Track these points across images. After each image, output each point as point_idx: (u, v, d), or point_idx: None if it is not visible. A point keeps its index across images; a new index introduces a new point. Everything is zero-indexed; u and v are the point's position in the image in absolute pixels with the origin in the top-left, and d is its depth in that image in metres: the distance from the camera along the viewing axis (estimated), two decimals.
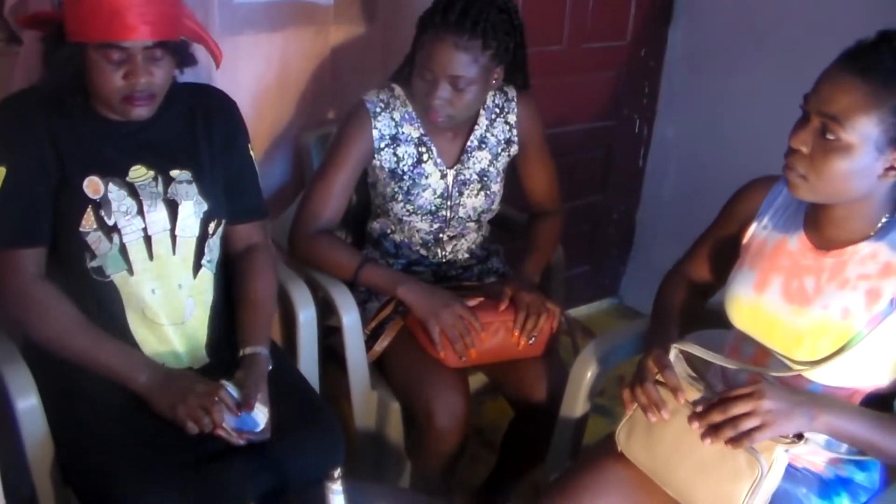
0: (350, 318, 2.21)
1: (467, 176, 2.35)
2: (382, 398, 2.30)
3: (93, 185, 1.80)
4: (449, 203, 2.35)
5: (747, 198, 1.84)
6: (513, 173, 2.49)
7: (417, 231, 2.38)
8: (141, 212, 1.83)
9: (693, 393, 1.64)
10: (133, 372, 1.78)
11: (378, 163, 2.29)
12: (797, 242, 1.71)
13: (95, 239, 1.80)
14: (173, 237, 1.88)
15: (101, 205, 1.80)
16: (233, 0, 2.34)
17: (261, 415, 1.78)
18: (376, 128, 2.25)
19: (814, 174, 1.54)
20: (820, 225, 1.68)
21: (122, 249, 1.82)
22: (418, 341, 2.21)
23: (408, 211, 2.33)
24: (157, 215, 1.85)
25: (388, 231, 2.42)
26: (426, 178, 2.31)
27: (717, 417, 1.53)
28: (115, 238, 1.81)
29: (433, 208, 2.34)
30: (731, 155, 3.21)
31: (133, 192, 1.83)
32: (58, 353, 1.77)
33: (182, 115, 1.94)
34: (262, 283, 2.03)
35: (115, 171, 1.83)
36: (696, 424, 1.55)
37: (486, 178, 2.37)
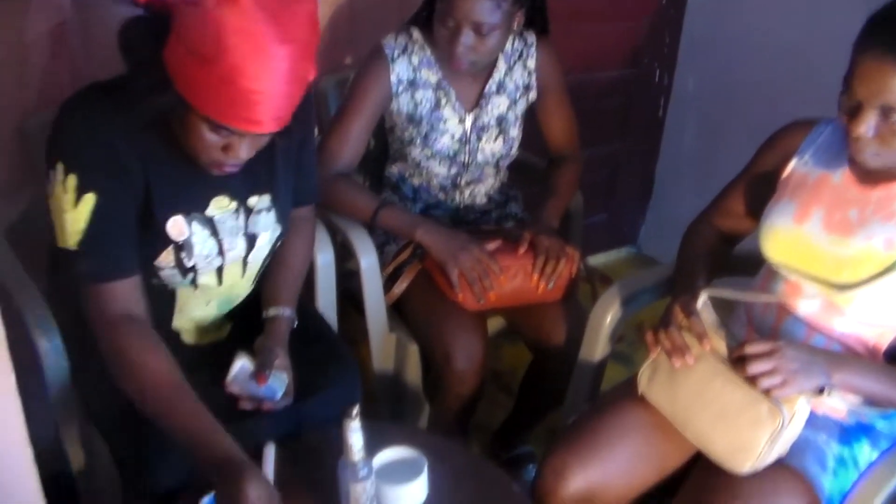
0: (368, 261, 2.20)
1: (485, 121, 2.33)
2: (400, 341, 2.31)
3: (177, 227, 1.65)
4: (467, 148, 2.34)
5: (788, 135, 1.82)
6: (532, 119, 2.47)
7: (435, 175, 2.37)
8: (221, 252, 1.73)
9: (718, 340, 1.64)
10: (219, 459, 1.50)
11: (396, 107, 2.28)
12: (841, 177, 1.70)
13: (169, 274, 1.71)
14: (245, 263, 1.82)
15: (184, 247, 1.67)
16: None
17: (278, 383, 1.74)
18: (394, 72, 2.24)
19: (887, 150, 1.53)
20: None
21: (194, 281, 1.75)
22: (436, 284, 2.21)
23: (426, 156, 2.32)
24: (236, 252, 1.77)
25: (407, 175, 2.41)
26: (444, 122, 2.29)
27: (739, 374, 1.55)
28: (191, 275, 1.74)
29: (451, 153, 2.33)
30: (751, 106, 3.18)
31: (214, 230, 1.71)
32: (138, 403, 1.57)
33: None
34: (298, 248, 1.98)
35: (198, 207, 1.68)
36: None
37: (504, 124, 2.36)
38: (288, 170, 1.82)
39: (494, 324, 2.37)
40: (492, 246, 2.17)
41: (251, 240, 1.78)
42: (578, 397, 2.13)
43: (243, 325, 1.91)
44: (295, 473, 1.60)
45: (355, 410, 1.45)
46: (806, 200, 1.72)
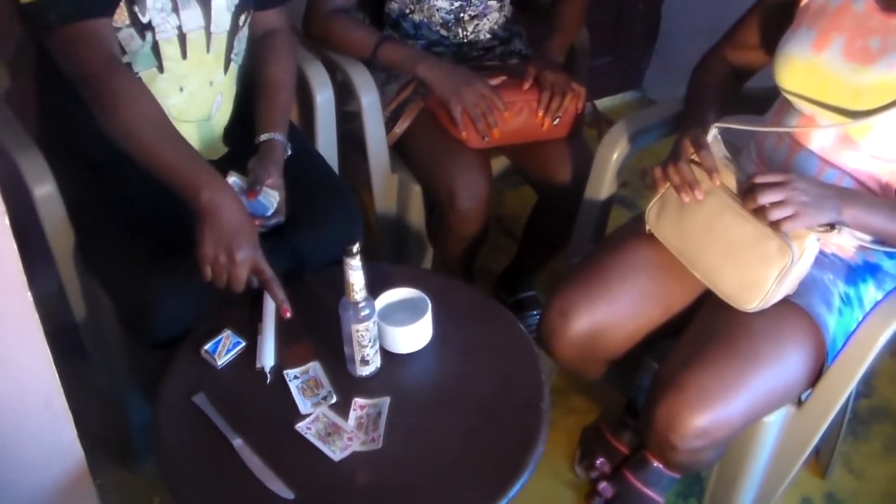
0: (369, 99, 2.16)
1: None
2: (403, 181, 2.29)
3: None
4: None
5: None
6: None
7: (437, 10, 2.30)
8: (176, 9, 1.73)
9: (728, 175, 1.62)
10: (201, 184, 1.59)
11: None
12: (864, 4, 1.64)
13: (127, 35, 1.70)
14: (208, 34, 1.80)
15: (135, 0, 1.68)
16: None
17: (270, 198, 1.74)
18: None
19: None
20: None
21: (155, 47, 1.74)
22: (439, 122, 2.18)
23: None
24: (192, 12, 1.75)
25: (407, 11, 2.33)
26: None
27: (749, 205, 1.52)
28: (149, 35, 1.72)
29: None
30: None
31: None
32: (124, 144, 1.62)
33: None
34: (280, 66, 1.96)
35: None
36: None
37: None
38: None
39: (498, 164, 2.35)
40: (496, 81, 2.13)
41: (205, 2, 1.76)
42: (583, 238, 2.12)
43: (238, 151, 1.89)
44: (297, 316, 1.59)
45: (356, 247, 1.42)
46: (826, 28, 1.66)
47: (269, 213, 1.74)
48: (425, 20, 2.33)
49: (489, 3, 2.33)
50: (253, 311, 1.68)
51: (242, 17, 1.86)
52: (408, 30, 2.35)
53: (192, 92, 1.83)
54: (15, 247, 1.17)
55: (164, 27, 1.72)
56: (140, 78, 1.74)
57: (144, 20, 1.70)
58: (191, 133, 1.85)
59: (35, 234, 1.75)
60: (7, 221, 1.14)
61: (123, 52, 1.71)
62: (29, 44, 1.92)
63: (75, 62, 1.64)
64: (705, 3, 3.39)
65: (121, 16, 1.68)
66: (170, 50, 1.76)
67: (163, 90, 1.78)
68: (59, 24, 1.62)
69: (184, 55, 1.78)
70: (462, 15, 2.32)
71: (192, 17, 1.75)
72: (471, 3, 2.30)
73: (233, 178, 1.74)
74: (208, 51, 1.82)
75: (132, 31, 1.70)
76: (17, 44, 2.03)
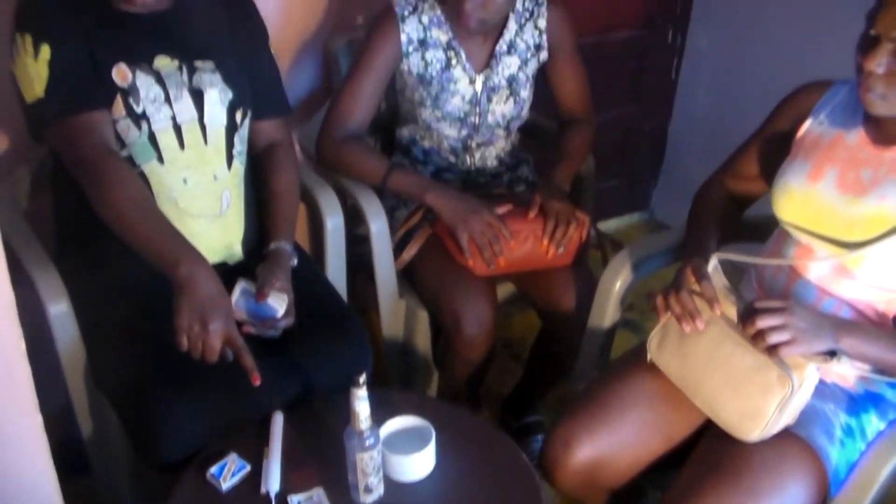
0: (378, 226, 2.19)
1: (496, 82, 2.31)
2: (410, 307, 2.30)
3: (121, 73, 1.79)
4: (477, 109, 2.32)
5: (804, 96, 1.81)
6: (543, 81, 2.44)
7: (446, 138, 2.35)
8: (168, 100, 1.83)
9: (728, 305, 1.63)
10: (179, 257, 1.65)
11: (406, 68, 2.26)
12: (856, 137, 1.68)
13: (125, 127, 1.79)
14: (203, 126, 1.87)
15: (130, 92, 1.79)
16: None
17: (279, 301, 1.78)
18: (404, 32, 2.21)
19: (894, 93, 1.53)
20: (882, 123, 1.65)
21: (152, 137, 1.81)
22: (447, 249, 2.20)
23: (436, 117, 2.30)
24: (184, 104, 1.84)
25: (417, 138, 2.39)
26: (455, 83, 2.27)
27: (748, 330, 1.54)
28: (144, 125, 1.80)
29: (462, 114, 2.31)
30: (766, 67, 3.14)
31: (159, 79, 1.82)
32: (113, 226, 1.70)
33: (202, 12, 1.92)
34: (283, 176, 2.02)
35: (142, 59, 1.82)
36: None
37: (515, 84, 2.33)
38: (236, 49, 1.96)
39: (504, 290, 2.37)
40: (502, 210, 2.16)
41: (197, 96, 1.86)
42: (588, 364, 2.12)
43: (254, 260, 1.93)
44: (303, 442, 1.60)
45: (362, 378, 1.45)
46: (820, 160, 1.70)
47: (279, 315, 1.78)
48: (435, 147, 2.39)
49: (496, 131, 2.39)
50: (260, 434, 1.68)
51: (239, 115, 1.93)
52: (417, 155, 2.40)
53: (196, 184, 1.87)
54: (29, 370, 1.17)
55: (158, 117, 1.81)
56: (139, 168, 1.81)
57: (139, 110, 1.80)
58: (203, 230, 1.89)
59: (44, 347, 1.76)
60: (23, 346, 1.15)
61: (123, 144, 1.80)
62: (47, 162, 1.99)
63: (71, 151, 1.74)
64: (711, 125, 3.48)
65: (118, 107, 1.79)
66: (167, 140, 1.83)
67: (167, 183, 1.84)
68: (57, 117, 1.74)
69: (181, 146, 1.84)
70: (470, 143, 2.38)
71: (184, 109, 1.85)
72: (478, 130, 2.36)
73: (242, 284, 1.79)
74: (206, 143, 1.87)
75: (129, 121, 1.80)
76: (39, 164, 2.09)
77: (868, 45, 1.53)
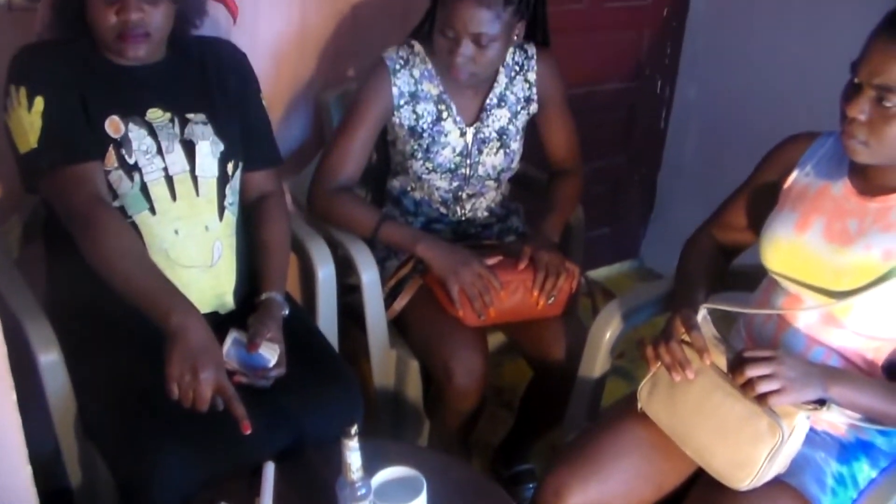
0: (369, 276, 2.20)
1: (486, 134, 2.33)
2: (401, 357, 2.30)
3: (113, 125, 1.82)
4: (468, 161, 2.33)
5: (791, 147, 1.83)
6: (534, 132, 2.47)
7: (437, 189, 2.37)
8: (160, 152, 1.85)
9: (718, 355, 1.64)
10: (170, 307, 1.67)
11: (397, 120, 2.28)
12: (841, 188, 1.71)
13: (117, 178, 1.82)
14: (194, 178, 1.89)
15: (122, 144, 1.82)
16: None
17: (270, 351, 1.79)
18: (396, 85, 2.24)
19: (875, 140, 1.55)
20: (866, 174, 1.67)
21: (144, 188, 1.83)
22: (437, 299, 2.21)
23: (427, 169, 2.31)
24: (176, 156, 1.87)
25: (408, 189, 2.41)
26: (445, 135, 2.29)
27: (737, 379, 1.54)
28: (136, 177, 1.83)
29: (452, 166, 2.32)
30: (753, 117, 3.17)
31: (152, 131, 1.86)
32: (105, 275, 1.71)
33: (194, 64, 1.97)
34: (275, 227, 2.04)
35: (134, 111, 1.85)
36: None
37: (505, 137, 2.35)
38: (227, 101, 1.99)
39: (495, 339, 2.37)
40: (492, 261, 2.17)
41: (189, 147, 1.89)
42: (578, 413, 2.12)
43: (245, 311, 1.93)
44: (294, 492, 1.59)
45: (354, 429, 1.44)
46: (807, 210, 1.72)
47: (271, 364, 1.79)
48: (425, 198, 2.40)
49: (487, 182, 2.40)
50: (251, 484, 1.67)
51: (230, 166, 1.95)
52: (408, 206, 2.41)
53: (188, 235, 1.88)
54: (20, 422, 1.18)
55: (150, 168, 1.84)
56: (131, 219, 1.82)
57: (131, 162, 1.83)
58: (194, 280, 1.89)
59: (34, 395, 1.75)
60: (14, 397, 1.16)
61: (115, 195, 1.83)
62: (39, 211, 2.00)
63: (64, 201, 1.76)
64: (700, 173, 3.50)
65: (110, 159, 1.81)
66: (159, 191, 1.85)
67: (158, 234, 1.85)
68: (50, 168, 1.77)
69: (173, 197, 1.86)
70: (460, 194, 2.39)
71: (176, 161, 1.88)
72: (469, 182, 2.37)
73: (234, 335, 1.79)
74: (197, 194, 1.89)
75: (121, 172, 1.82)
76: (31, 211, 2.10)
77: (851, 92, 1.56)
